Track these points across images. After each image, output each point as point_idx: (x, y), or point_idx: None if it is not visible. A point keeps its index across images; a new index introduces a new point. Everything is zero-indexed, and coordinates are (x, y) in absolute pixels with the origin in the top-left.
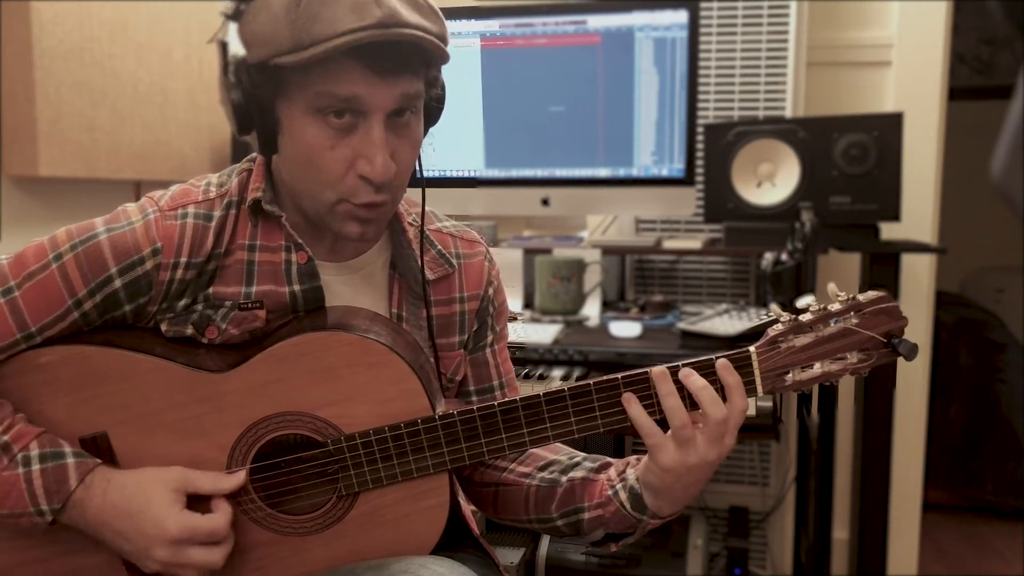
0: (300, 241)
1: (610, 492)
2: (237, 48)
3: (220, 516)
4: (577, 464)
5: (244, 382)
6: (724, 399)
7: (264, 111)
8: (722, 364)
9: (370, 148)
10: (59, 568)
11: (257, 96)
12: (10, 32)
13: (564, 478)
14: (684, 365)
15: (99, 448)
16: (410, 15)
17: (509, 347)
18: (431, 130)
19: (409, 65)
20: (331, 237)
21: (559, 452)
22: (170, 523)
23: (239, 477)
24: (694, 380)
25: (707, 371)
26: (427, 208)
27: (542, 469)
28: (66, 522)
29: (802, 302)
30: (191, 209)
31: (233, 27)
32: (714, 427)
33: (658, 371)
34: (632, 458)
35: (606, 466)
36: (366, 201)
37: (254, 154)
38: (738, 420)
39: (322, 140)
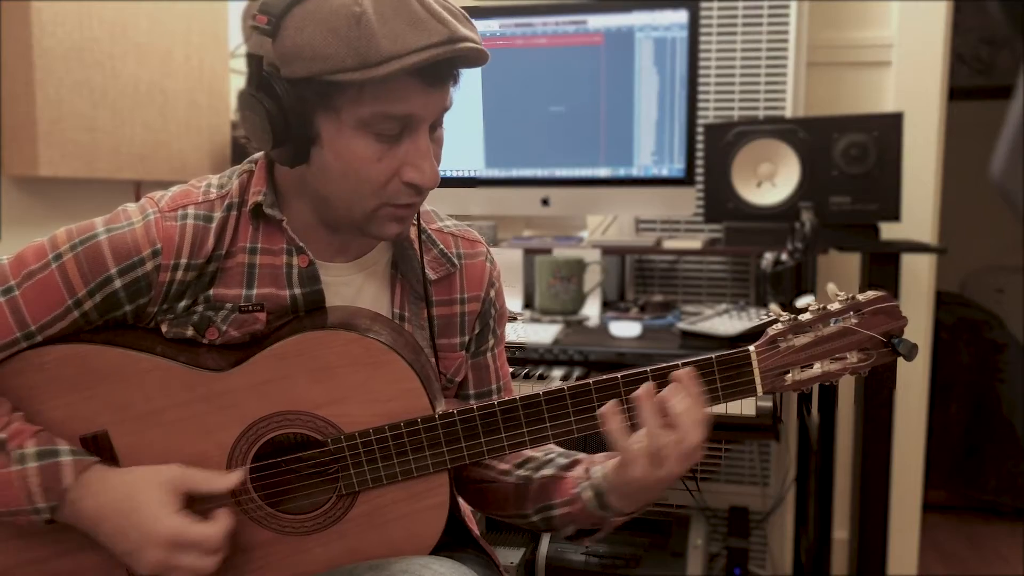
0: (301, 244)
1: (577, 490)
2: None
3: (215, 525)
4: (550, 461)
5: (244, 381)
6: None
7: (303, 125)
8: (686, 374)
9: (419, 158)
10: (60, 568)
11: (297, 110)
12: (10, 32)
13: (536, 475)
14: (651, 371)
15: (99, 447)
16: (462, 28)
17: (509, 347)
18: None
19: (455, 77)
20: (340, 241)
21: (536, 448)
22: (161, 525)
23: (235, 476)
24: (674, 404)
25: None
26: (428, 207)
27: (519, 466)
28: (62, 520)
29: (802, 302)
30: (191, 210)
31: (261, 39)
32: (688, 446)
33: (643, 392)
34: (599, 456)
35: (575, 463)
36: (407, 202)
37: (255, 156)
38: (705, 431)
39: (369, 153)
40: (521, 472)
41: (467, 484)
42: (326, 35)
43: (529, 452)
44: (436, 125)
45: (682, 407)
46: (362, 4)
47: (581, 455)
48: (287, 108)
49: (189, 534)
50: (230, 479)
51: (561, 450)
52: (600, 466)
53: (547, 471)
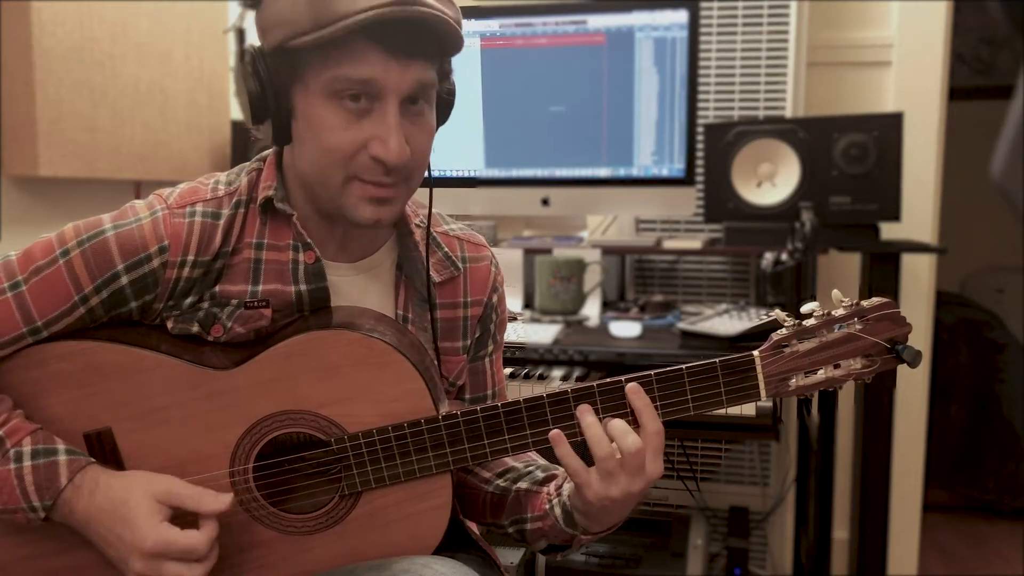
0: (309, 241)
1: (547, 507)
2: (253, 38)
3: (201, 534)
4: (528, 474)
5: (249, 379)
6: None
7: (279, 98)
8: (631, 388)
9: (384, 130)
10: (58, 564)
11: (273, 82)
12: (10, 32)
13: (514, 487)
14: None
15: (103, 444)
16: None
17: (509, 347)
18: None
19: (424, 50)
20: (341, 234)
21: (520, 458)
22: (147, 534)
23: (224, 500)
24: (614, 423)
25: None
26: (433, 210)
27: (500, 476)
28: (58, 519)
29: (806, 308)
30: (199, 207)
31: (250, 16)
32: (631, 459)
33: (583, 407)
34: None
35: (551, 478)
36: (376, 180)
37: (263, 154)
38: (656, 444)
39: (336, 122)
40: (500, 483)
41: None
42: (291, 2)
43: (511, 462)
44: (415, 99)
45: (619, 424)
46: None
47: (559, 469)
48: (264, 81)
49: (175, 545)
50: (218, 503)
51: (543, 463)
52: (570, 484)
53: (523, 484)
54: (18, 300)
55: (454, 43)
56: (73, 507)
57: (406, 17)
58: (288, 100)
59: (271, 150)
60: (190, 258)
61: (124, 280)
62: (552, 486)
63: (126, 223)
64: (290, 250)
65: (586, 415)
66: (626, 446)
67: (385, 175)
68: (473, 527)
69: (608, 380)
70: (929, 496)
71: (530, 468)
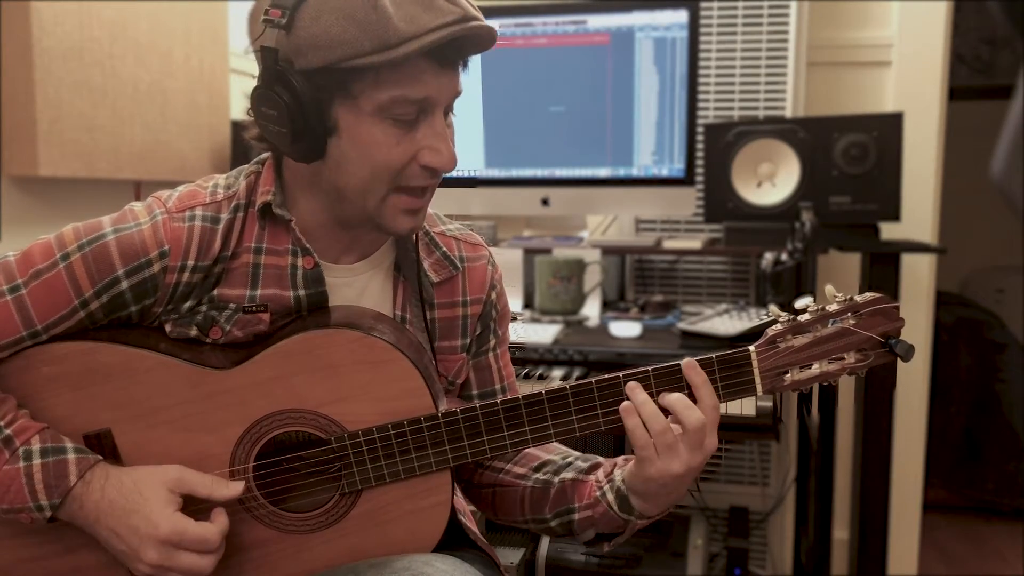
0: (308, 246)
1: (598, 493)
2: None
3: (213, 525)
4: (569, 464)
5: (248, 379)
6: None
7: (320, 116)
8: (687, 364)
9: (436, 140)
10: (60, 566)
11: (314, 101)
12: (10, 32)
13: (556, 479)
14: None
15: (103, 444)
16: (471, 9)
17: (509, 347)
18: None
19: (465, 59)
20: (348, 240)
21: (553, 452)
22: (162, 523)
23: (236, 487)
24: (673, 398)
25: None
26: (431, 211)
27: (536, 470)
28: (64, 518)
29: (800, 303)
30: (199, 211)
31: (275, 34)
32: (694, 434)
33: (632, 383)
34: (620, 459)
35: (596, 466)
36: (421, 184)
37: (262, 157)
38: (714, 418)
39: (388, 139)
40: (540, 476)
41: (481, 488)
42: (343, 22)
43: (546, 456)
44: (448, 110)
45: (681, 398)
46: None
47: (600, 458)
48: (304, 100)
49: (188, 534)
50: (230, 489)
51: (579, 454)
52: (621, 469)
53: (568, 474)
54: (17, 303)
55: (489, 47)
56: (83, 503)
57: (468, 35)
58: (330, 118)
59: (268, 154)
60: (190, 263)
61: (124, 285)
62: (600, 473)
63: (126, 227)
64: (289, 255)
65: (639, 392)
66: (690, 420)
67: (430, 180)
68: (472, 526)
69: (606, 376)
70: (929, 496)
71: (569, 459)
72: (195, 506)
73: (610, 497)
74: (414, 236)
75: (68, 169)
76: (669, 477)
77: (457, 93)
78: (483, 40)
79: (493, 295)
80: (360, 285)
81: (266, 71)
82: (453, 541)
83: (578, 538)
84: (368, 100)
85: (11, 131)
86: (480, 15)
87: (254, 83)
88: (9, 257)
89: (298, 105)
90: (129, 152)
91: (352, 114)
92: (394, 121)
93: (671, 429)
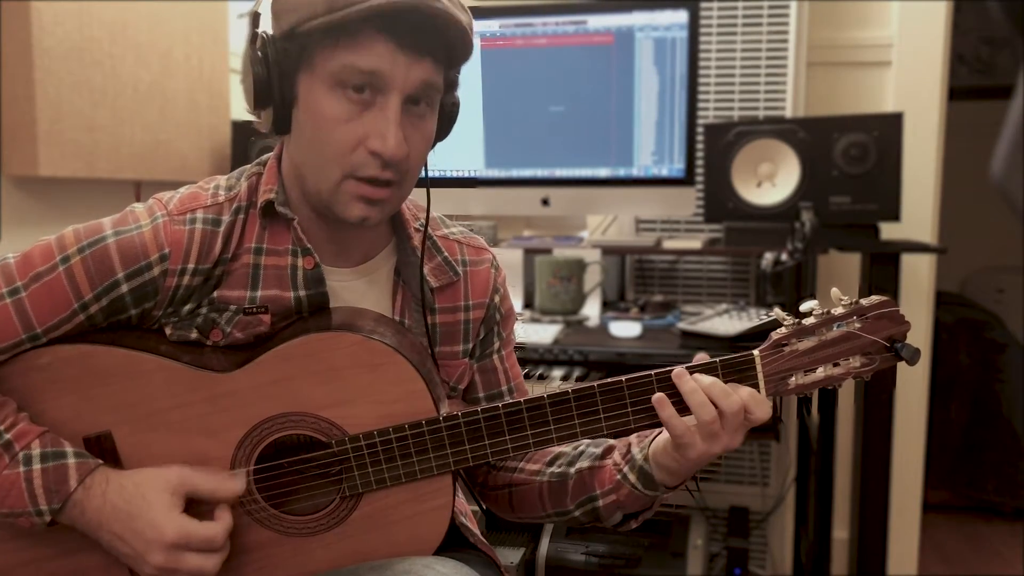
0: (308, 246)
1: (619, 477)
2: (266, 24)
3: (218, 524)
4: (582, 453)
5: (248, 382)
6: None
7: (284, 84)
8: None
9: (384, 124)
10: (60, 568)
11: (280, 68)
12: (10, 32)
13: (572, 469)
14: (689, 368)
15: (103, 448)
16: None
17: None
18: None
19: (433, 49)
20: (340, 239)
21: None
22: (167, 527)
23: (239, 484)
24: (702, 378)
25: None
26: (433, 213)
27: (550, 464)
28: (65, 523)
29: (805, 306)
30: (200, 214)
31: (266, 2)
32: (733, 418)
33: (678, 371)
34: (632, 437)
35: (610, 449)
36: (371, 175)
37: (263, 157)
38: (752, 400)
39: (337, 113)
40: (555, 469)
41: (496, 490)
42: None
43: (558, 448)
44: (417, 100)
45: (708, 381)
46: None
47: (611, 440)
48: (271, 66)
49: (194, 535)
50: (234, 487)
51: (589, 440)
52: (639, 448)
53: (583, 463)
54: (17, 306)
55: (464, 49)
56: (84, 508)
57: (418, 7)
58: (293, 87)
59: (271, 154)
60: (191, 266)
61: (124, 288)
62: (616, 455)
63: (127, 230)
64: (289, 255)
65: (687, 381)
66: (729, 406)
67: (381, 171)
68: (473, 527)
69: (609, 380)
70: (929, 496)
71: (581, 447)
72: (198, 506)
73: (632, 478)
74: (414, 240)
75: (68, 169)
76: (708, 456)
77: (424, 82)
78: (448, 29)
79: (497, 299)
80: (360, 289)
81: (248, 35)
82: (453, 542)
83: (606, 523)
84: (322, 67)
85: (11, 131)
86: (450, 6)
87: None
88: (9, 259)
89: (265, 71)
90: (129, 152)
91: (309, 83)
92: (348, 98)
93: (717, 419)
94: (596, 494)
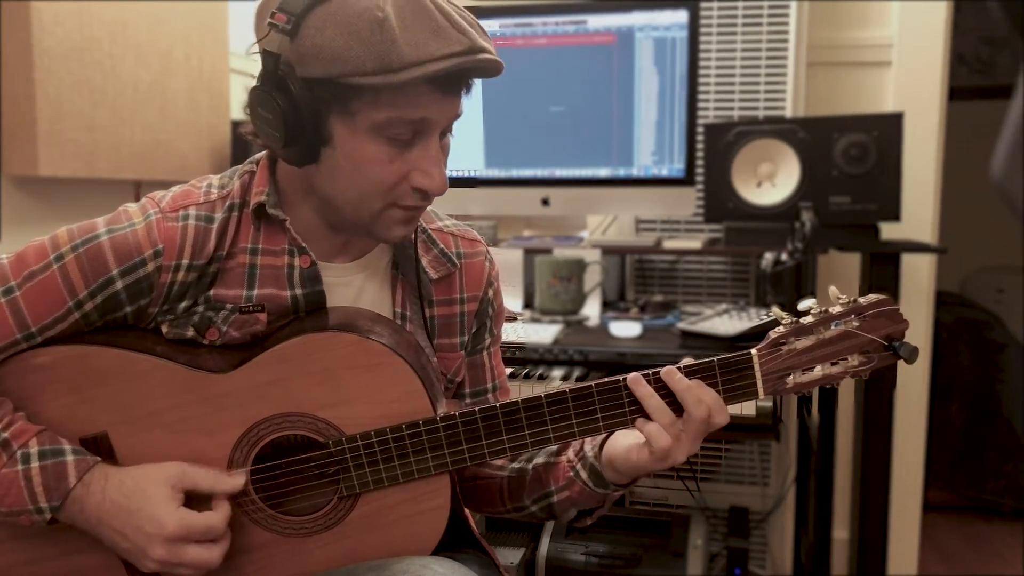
0: (303, 245)
1: (571, 473)
2: (287, 65)
3: (217, 513)
4: (541, 449)
5: (245, 382)
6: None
7: (316, 125)
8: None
9: (429, 163)
10: (59, 568)
11: (311, 110)
12: (10, 32)
13: (530, 465)
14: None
15: (99, 448)
16: (480, 40)
17: (509, 347)
18: None
19: (468, 86)
20: (343, 241)
21: None
22: (168, 520)
23: (239, 479)
24: (678, 380)
25: (705, 375)
26: (428, 208)
27: (512, 459)
28: (64, 520)
29: (803, 305)
30: (192, 211)
31: (278, 38)
32: (697, 425)
33: (632, 377)
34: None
35: (565, 447)
36: (414, 204)
37: (256, 156)
38: (717, 406)
39: (380, 156)
40: (515, 465)
41: (463, 483)
42: (347, 38)
43: None
44: (446, 132)
45: (683, 384)
46: (384, 10)
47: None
48: (301, 108)
49: (195, 526)
50: (233, 481)
51: None
52: (591, 445)
53: (539, 459)
54: (12, 305)
55: (495, 75)
56: (84, 505)
57: (474, 68)
58: (325, 128)
59: (263, 153)
60: (184, 262)
61: (119, 285)
62: (570, 452)
63: (120, 227)
64: (285, 255)
65: (643, 387)
66: (697, 413)
67: (424, 199)
68: (472, 526)
69: (606, 380)
70: (929, 496)
71: None
72: (197, 503)
73: (584, 475)
74: (411, 234)
75: (68, 169)
76: (669, 463)
77: (456, 116)
78: (488, 71)
79: (490, 292)
80: (358, 284)
81: (266, 74)
82: (453, 542)
83: (561, 519)
84: (365, 118)
85: (11, 131)
86: (489, 46)
87: (254, 82)
88: (2, 260)
89: (294, 111)
90: (129, 152)
91: (347, 128)
92: (388, 140)
93: (677, 423)
94: (551, 490)
